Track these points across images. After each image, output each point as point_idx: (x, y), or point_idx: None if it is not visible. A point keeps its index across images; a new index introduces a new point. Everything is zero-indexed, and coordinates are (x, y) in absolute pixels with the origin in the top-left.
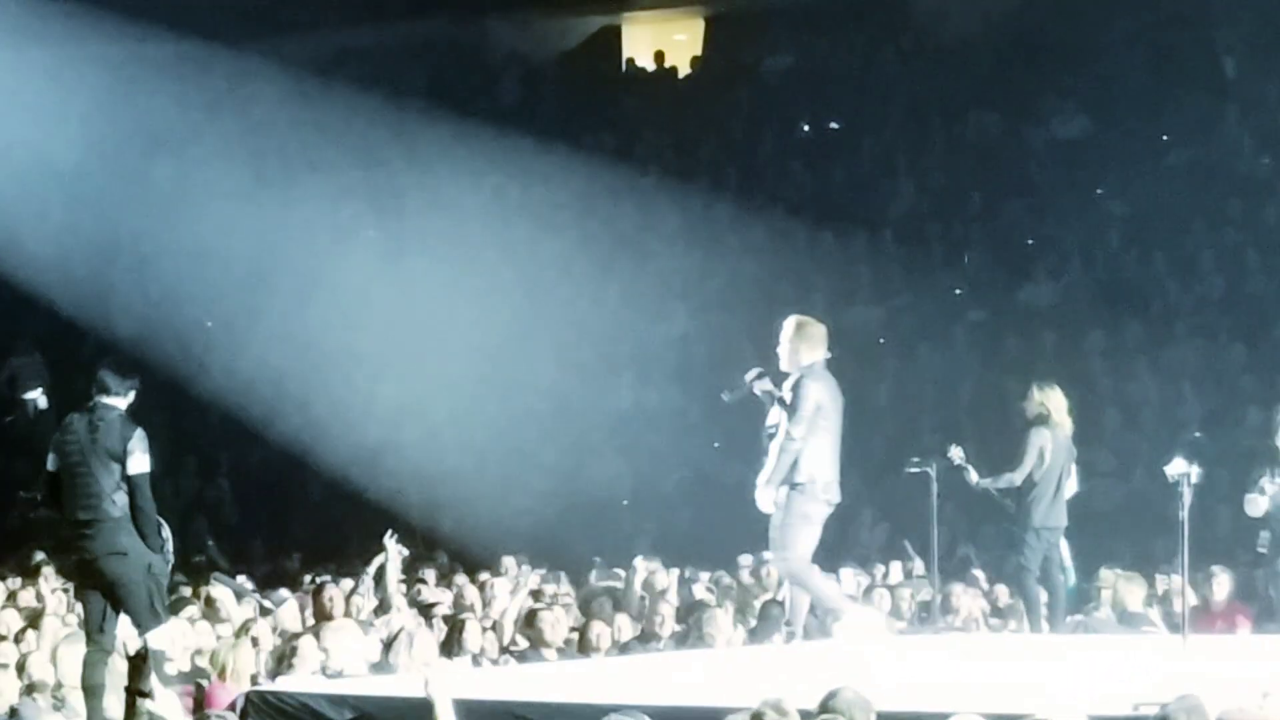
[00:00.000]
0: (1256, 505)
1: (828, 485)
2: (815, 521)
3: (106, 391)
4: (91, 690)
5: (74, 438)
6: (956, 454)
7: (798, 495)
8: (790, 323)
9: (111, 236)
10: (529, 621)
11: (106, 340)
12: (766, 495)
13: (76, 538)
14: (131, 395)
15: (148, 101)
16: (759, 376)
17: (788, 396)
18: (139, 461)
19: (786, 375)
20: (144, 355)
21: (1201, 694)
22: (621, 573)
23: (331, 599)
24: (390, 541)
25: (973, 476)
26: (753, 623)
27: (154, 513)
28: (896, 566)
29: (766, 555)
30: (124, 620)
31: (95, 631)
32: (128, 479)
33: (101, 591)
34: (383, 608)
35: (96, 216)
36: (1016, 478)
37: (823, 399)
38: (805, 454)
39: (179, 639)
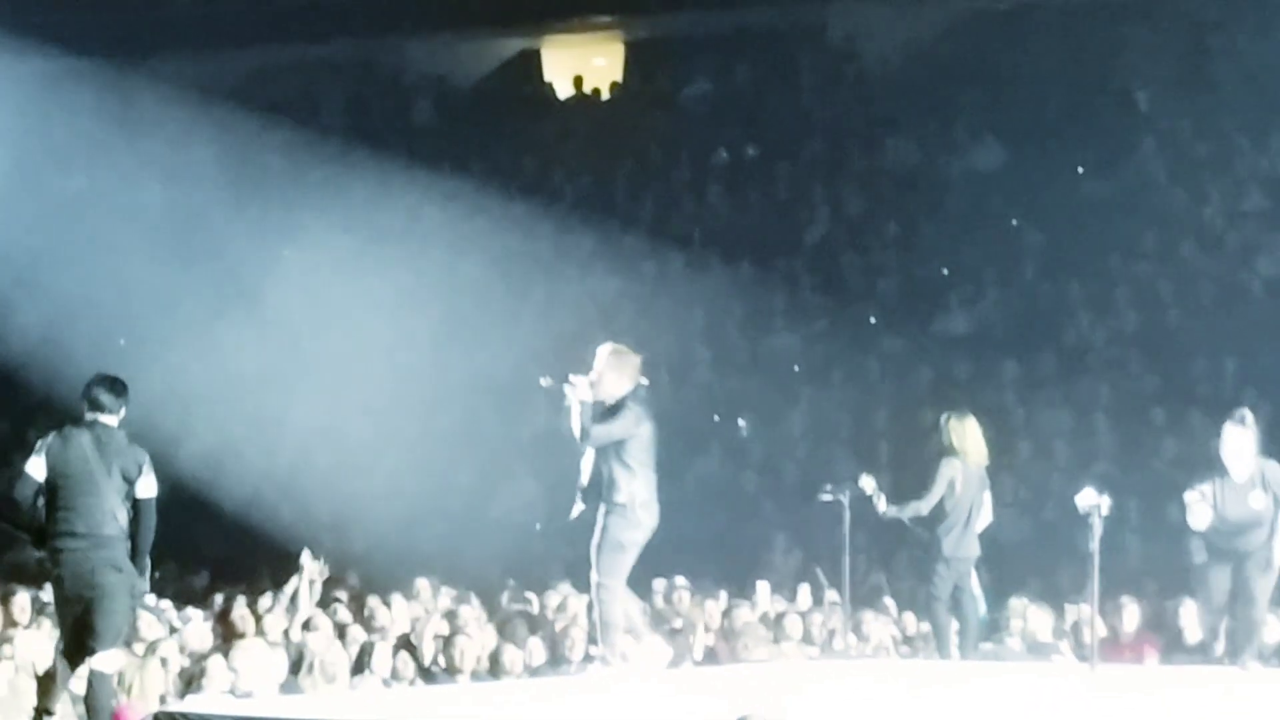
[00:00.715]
0: (1200, 516)
1: (645, 505)
2: (630, 549)
3: (102, 409)
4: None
5: (77, 452)
6: (867, 484)
7: (616, 518)
8: (605, 350)
9: (19, 252)
10: (446, 645)
11: (12, 356)
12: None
13: (73, 549)
14: (123, 412)
15: (61, 118)
16: (590, 386)
17: (603, 411)
18: (150, 484)
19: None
20: (53, 373)
21: None
22: (533, 596)
23: (242, 618)
24: (308, 561)
25: (882, 505)
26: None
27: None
28: (807, 592)
29: (679, 580)
30: (34, 638)
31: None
32: (136, 500)
33: (82, 602)
34: (296, 628)
35: (4, 232)
36: (924, 507)
37: (644, 423)
38: (622, 476)
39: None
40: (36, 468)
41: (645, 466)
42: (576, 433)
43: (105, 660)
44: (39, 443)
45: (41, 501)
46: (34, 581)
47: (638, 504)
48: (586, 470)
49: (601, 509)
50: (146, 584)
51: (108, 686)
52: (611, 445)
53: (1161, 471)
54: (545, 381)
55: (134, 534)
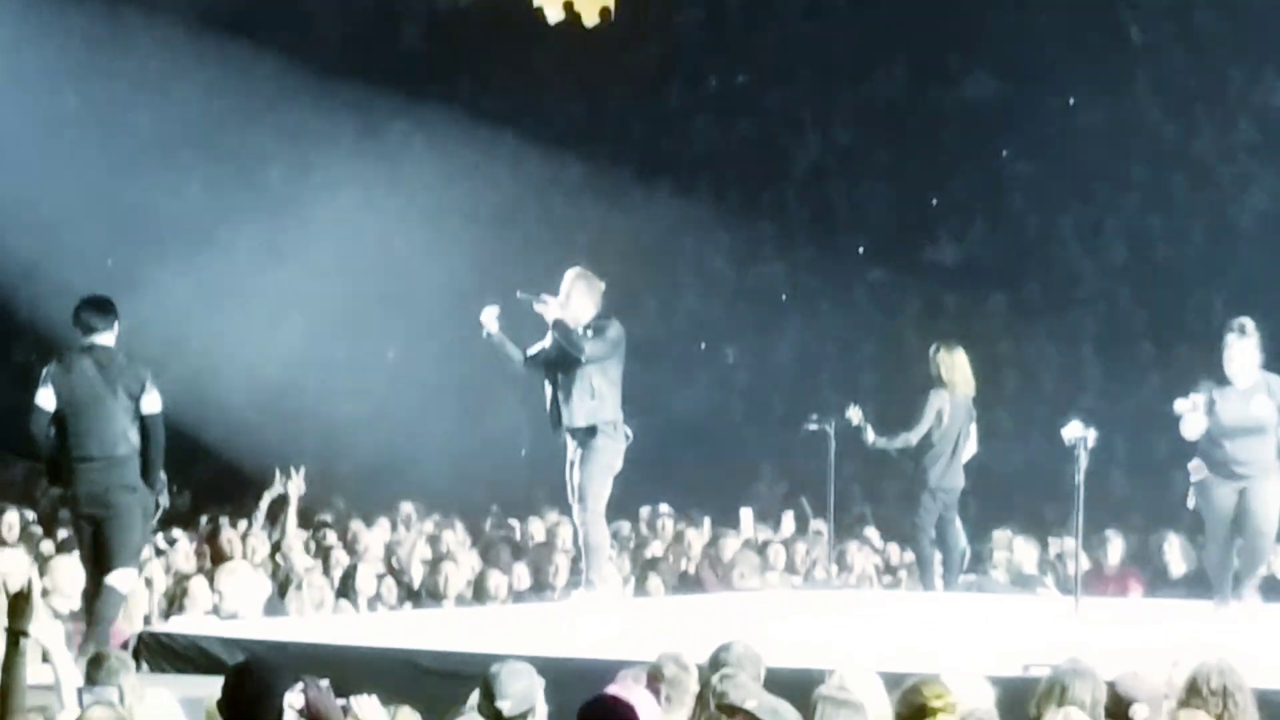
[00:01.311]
0: (1193, 425)
1: (622, 424)
2: (616, 469)
3: (95, 330)
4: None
5: (81, 377)
6: (855, 415)
7: (606, 439)
8: (572, 274)
9: (6, 171)
10: (431, 570)
11: None
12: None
13: (88, 471)
14: (116, 328)
15: (51, 38)
16: (560, 307)
17: (586, 330)
18: (155, 400)
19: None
20: (37, 294)
21: (1092, 656)
22: (516, 523)
23: (229, 541)
24: (281, 480)
25: (869, 436)
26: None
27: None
28: (791, 521)
29: (664, 508)
30: (11, 556)
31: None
32: (143, 418)
33: (98, 522)
34: (278, 549)
35: None
36: (913, 438)
37: (624, 342)
38: (610, 393)
39: (73, 578)
40: (45, 398)
41: (616, 378)
42: (573, 349)
43: (121, 578)
44: (43, 373)
45: (53, 431)
46: (21, 500)
47: (619, 421)
48: (550, 392)
49: (583, 433)
50: (166, 499)
51: (117, 601)
52: (596, 364)
53: (1148, 405)
54: (521, 295)
55: (144, 451)
